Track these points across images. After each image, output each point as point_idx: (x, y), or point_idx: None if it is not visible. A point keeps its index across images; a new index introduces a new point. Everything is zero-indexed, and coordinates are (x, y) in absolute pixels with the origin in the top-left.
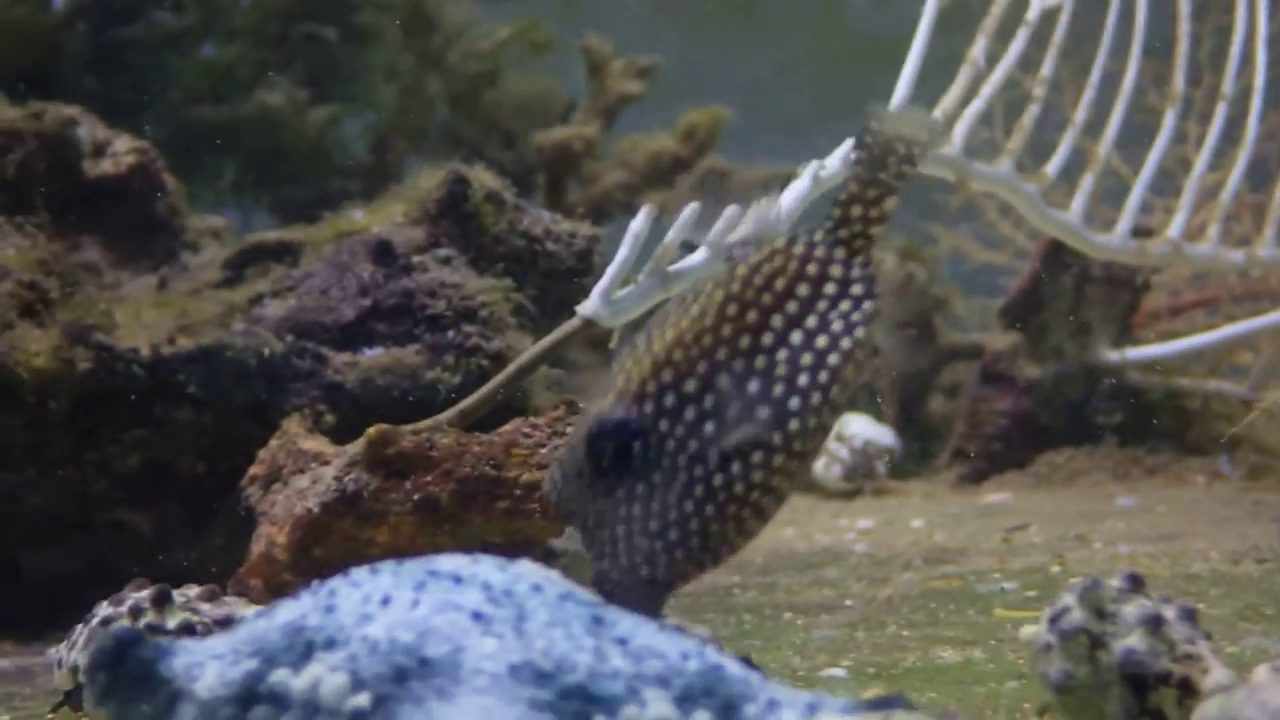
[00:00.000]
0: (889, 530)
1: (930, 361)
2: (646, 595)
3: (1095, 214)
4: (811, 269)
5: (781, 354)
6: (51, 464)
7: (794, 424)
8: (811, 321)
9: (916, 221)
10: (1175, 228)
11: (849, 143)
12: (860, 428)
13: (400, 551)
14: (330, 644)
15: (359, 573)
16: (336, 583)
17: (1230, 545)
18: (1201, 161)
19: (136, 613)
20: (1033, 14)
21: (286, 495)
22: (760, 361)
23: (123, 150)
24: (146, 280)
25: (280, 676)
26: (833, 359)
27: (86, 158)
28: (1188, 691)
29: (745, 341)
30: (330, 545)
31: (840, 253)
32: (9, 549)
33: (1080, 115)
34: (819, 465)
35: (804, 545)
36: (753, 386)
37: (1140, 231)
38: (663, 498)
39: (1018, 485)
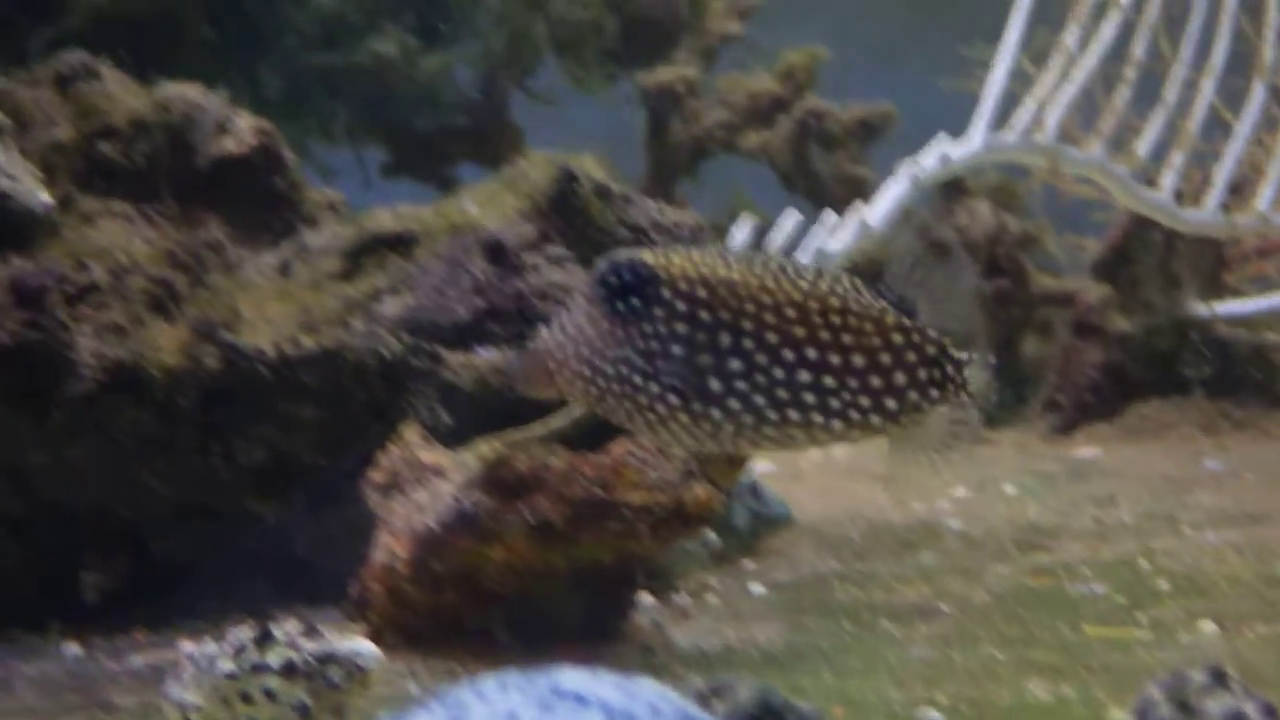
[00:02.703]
0: (982, 498)
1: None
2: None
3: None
4: (911, 357)
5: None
6: (180, 456)
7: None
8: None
9: None
10: (1264, 200)
11: (941, 138)
12: None
13: (514, 568)
14: None
15: (487, 686)
16: (465, 696)
17: None
18: None
19: (239, 650)
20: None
21: (406, 507)
22: (803, 375)
23: (245, 129)
24: (268, 259)
25: None
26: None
27: (210, 139)
28: None
29: (802, 340)
30: (448, 560)
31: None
32: (140, 537)
33: (1171, 94)
34: None
35: (899, 517)
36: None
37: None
38: (646, 361)
39: (1108, 438)
